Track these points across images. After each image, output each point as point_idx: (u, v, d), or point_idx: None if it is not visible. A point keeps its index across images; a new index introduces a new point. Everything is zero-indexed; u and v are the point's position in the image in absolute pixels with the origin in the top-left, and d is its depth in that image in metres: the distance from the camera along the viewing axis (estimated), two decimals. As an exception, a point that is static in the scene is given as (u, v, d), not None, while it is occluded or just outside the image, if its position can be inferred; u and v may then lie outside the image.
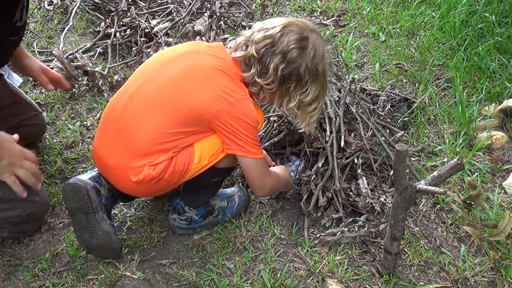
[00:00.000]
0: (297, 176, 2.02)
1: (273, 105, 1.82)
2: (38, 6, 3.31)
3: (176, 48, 1.71)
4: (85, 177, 1.63)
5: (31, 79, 2.48)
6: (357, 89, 2.26)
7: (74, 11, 3.19)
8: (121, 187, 1.63)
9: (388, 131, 2.22)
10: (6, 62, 1.91)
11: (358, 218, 1.87)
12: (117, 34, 2.90)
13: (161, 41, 2.74)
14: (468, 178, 2.05)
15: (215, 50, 1.62)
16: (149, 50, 2.72)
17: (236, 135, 1.55)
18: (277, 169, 1.88)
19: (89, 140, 2.23)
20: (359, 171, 1.97)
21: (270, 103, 1.71)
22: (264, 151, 2.01)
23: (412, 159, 2.18)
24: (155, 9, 3.11)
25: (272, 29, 1.55)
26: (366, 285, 1.66)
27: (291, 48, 1.54)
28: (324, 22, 3.17)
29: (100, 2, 3.13)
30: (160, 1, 3.21)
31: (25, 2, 1.64)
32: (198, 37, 2.76)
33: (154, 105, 1.54)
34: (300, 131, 1.93)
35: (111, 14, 3.00)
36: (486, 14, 2.90)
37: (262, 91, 1.61)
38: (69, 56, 2.73)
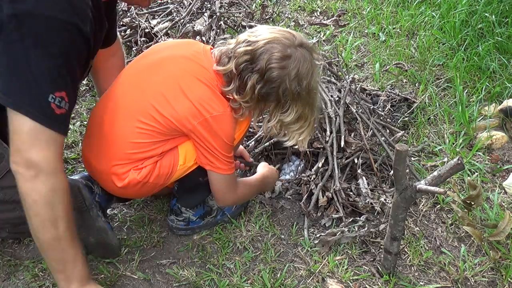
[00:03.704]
0: (297, 176, 2.02)
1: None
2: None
3: (162, 49, 1.66)
4: (77, 176, 1.65)
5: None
6: (357, 89, 2.26)
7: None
8: (109, 190, 1.64)
9: (388, 131, 2.22)
10: None
11: (358, 218, 1.87)
12: (117, 34, 2.90)
13: (161, 41, 2.73)
14: (468, 178, 2.05)
15: (201, 57, 1.56)
16: (149, 50, 2.72)
17: (208, 150, 1.54)
18: (264, 168, 1.86)
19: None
20: (359, 171, 1.97)
21: (251, 118, 1.64)
22: (241, 147, 1.98)
23: (412, 159, 2.18)
24: (155, 9, 3.11)
25: (254, 44, 1.46)
26: (366, 285, 1.66)
27: (270, 67, 1.44)
28: (324, 22, 3.17)
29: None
30: (160, 1, 3.21)
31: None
32: (198, 37, 2.76)
33: (132, 113, 1.53)
34: (288, 145, 1.73)
35: (111, 14, 2.99)
36: (486, 14, 2.90)
37: (241, 108, 1.53)
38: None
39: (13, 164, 1.30)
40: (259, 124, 1.61)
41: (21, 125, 1.27)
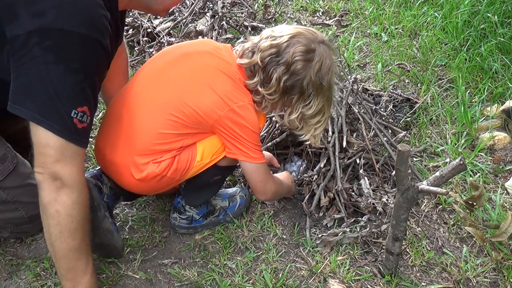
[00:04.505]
0: (299, 176, 2.02)
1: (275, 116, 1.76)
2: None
3: (183, 46, 1.70)
4: (87, 175, 1.64)
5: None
6: (359, 89, 2.26)
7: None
8: (124, 184, 1.64)
9: (390, 131, 2.22)
10: None
11: (360, 219, 1.87)
12: (120, 34, 2.90)
13: (163, 41, 2.74)
14: (470, 178, 2.05)
15: (222, 52, 1.60)
16: (151, 50, 2.72)
17: (237, 140, 1.56)
18: (281, 175, 1.89)
19: (91, 139, 2.22)
20: (361, 171, 1.97)
21: (272, 111, 1.69)
22: (270, 153, 2.02)
23: (414, 159, 2.18)
24: (157, 9, 3.11)
25: (279, 38, 1.52)
26: (368, 286, 1.66)
27: (295, 60, 1.50)
28: (327, 22, 3.18)
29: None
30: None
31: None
32: (200, 36, 2.76)
33: (158, 105, 1.55)
34: (303, 139, 1.80)
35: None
36: (488, 15, 2.90)
37: (264, 100, 1.57)
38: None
39: (38, 174, 1.32)
40: (281, 114, 1.65)
41: (45, 139, 1.28)
